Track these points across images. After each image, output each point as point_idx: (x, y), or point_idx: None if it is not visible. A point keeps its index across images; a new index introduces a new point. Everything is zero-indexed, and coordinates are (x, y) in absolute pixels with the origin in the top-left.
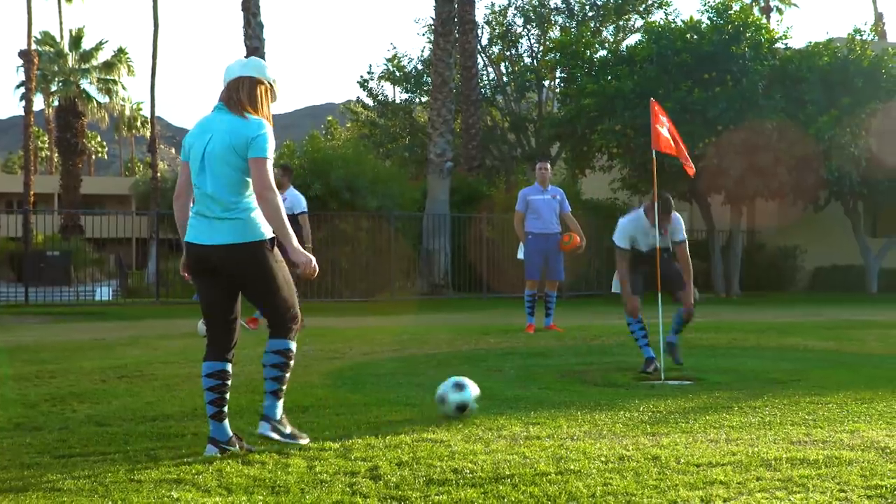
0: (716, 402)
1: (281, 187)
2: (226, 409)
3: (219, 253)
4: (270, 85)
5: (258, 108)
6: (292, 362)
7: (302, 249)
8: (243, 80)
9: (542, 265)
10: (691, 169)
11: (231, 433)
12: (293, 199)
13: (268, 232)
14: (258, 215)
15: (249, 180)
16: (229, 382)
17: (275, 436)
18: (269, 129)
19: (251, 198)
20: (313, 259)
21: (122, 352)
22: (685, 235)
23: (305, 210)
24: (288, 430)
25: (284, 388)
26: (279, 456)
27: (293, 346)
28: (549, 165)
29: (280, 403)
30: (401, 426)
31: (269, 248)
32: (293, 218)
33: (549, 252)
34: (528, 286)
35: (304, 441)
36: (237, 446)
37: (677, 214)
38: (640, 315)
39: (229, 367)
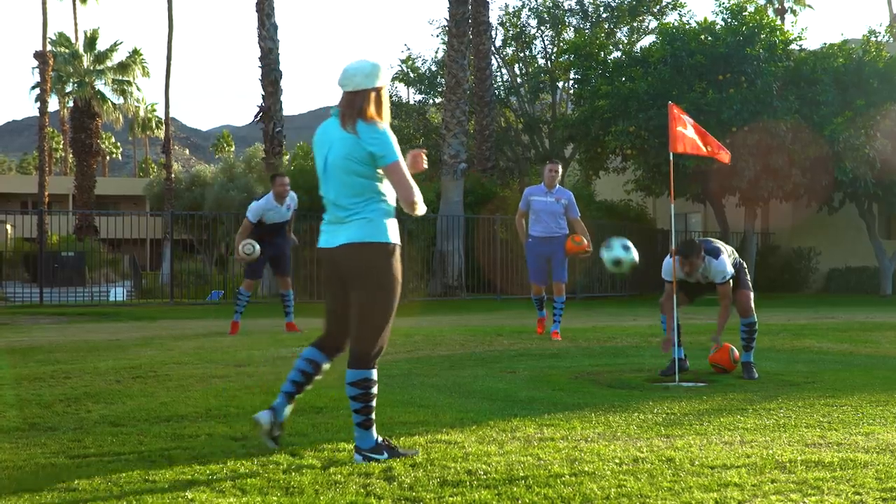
0: (730, 404)
1: (283, 197)
2: (297, 397)
3: (340, 253)
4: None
5: (384, 115)
6: (375, 388)
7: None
8: (369, 92)
9: (544, 268)
10: (727, 156)
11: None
12: (292, 199)
13: (393, 237)
14: (386, 220)
15: (374, 184)
16: (316, 377)
17: (372, 461)
18: (386, 130)
19: (378, 201)
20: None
21: (136, 352)
22: (726, 277)
23: (296, 207)
24: (385, 455)
25: (372, 416)
26: (293, 457)
27: (373, 373)
28: (559, 167)
29: (370, 432)
30: (414, 427)
31: (390, 253)
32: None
33: (552, 254)
34: (533, 290)
35: (414, 454)
36: (272, 431)
37: (714, 260)
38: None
39: (327, 364)
